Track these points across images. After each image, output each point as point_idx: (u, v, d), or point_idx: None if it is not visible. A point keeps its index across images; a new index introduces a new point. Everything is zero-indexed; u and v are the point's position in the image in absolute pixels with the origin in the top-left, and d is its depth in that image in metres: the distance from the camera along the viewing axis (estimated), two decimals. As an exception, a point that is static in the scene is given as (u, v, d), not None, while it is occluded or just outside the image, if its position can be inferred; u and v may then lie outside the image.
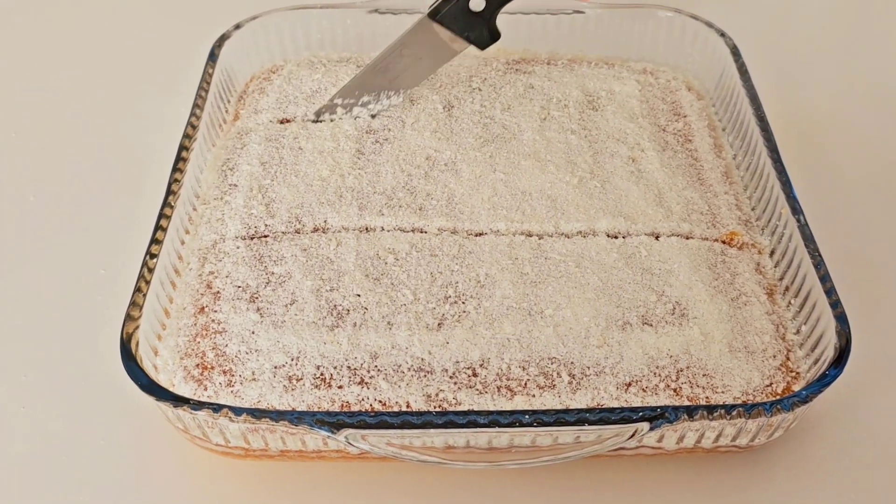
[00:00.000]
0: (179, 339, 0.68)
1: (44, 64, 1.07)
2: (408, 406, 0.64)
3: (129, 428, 0.70)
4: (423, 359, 0.65)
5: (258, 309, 0.68)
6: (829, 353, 0.64)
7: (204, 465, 0.68)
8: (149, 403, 0.64)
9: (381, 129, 0.83)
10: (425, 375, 0.65)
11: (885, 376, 0.74)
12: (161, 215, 0.72)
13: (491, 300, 0.69)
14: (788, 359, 0.68)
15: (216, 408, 0.60)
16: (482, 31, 0.77)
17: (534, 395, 0.64)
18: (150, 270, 0.69)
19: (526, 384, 0.65)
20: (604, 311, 0.68)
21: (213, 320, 0.68)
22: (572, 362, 0.66)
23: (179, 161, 0.77)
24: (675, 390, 0.65)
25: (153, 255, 0.69)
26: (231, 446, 0.65)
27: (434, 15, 0.76)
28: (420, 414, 0.59)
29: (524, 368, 0.65)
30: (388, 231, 0.74)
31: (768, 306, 0.71)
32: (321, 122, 0.84)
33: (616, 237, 0.74)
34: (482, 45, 0.78)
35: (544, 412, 0.59)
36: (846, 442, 0.70)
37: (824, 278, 0.68)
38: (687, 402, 0.64)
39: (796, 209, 0.74)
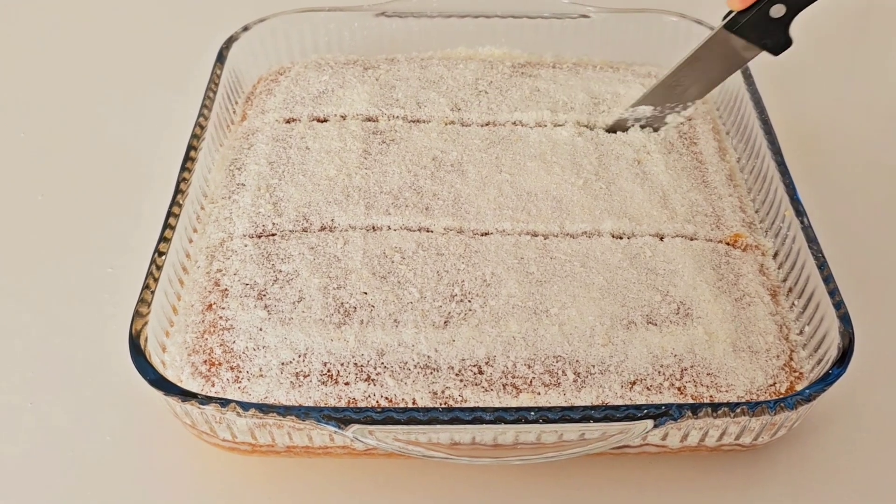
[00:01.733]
0: (187, 336, 0.68)
1: (51, 64, 1.08)
2: (414, 403, 0.64)
3: (136, 424, 0.71)
4: (429, 356, 0.66)
5: (266, 306, 0.68)
6: (833, 353, 0.65)
7: (211, 461, 0.68)
8: (156, 399, 0.64)
9: (388, 130, 0.83)
10: (431, 373, 0.65)
11: (887, 376, 0.75)
12: (169, 213, 0.73)
13: (497, 299, 0.69)
14: (792, 359, 0.69)
15: (224, 402, 0.60)
16: (779, 37, 0.76)
17: (539, 393, 0.65)
18: (159, 268, 0.69)
19: (531, 382, 0.65)
20: (609, 310, 0.68)
21: (220, 317, 0.69)
22: (577, 361, 0.66)
23: (188, 160, 0.78)
24: (679, 389, 0.66)
25: (162, 253, 0.70)
26: (238, 442, 0.65)
27: (731, 26, 0.76)
28: (426, 410, 0.60)
29: (530, 366, 0.66)
30: (395, 230, 0.74)
31: (772, 307, 0.72)
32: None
33: (621, 238, 0.75)
34: (777, 51, 0.77)
35: (549, 409, 0.60)
36: (849, 441, 0.71)
37: (827, 279, 0.69)
38: (691, 401, 0.65)
39: (800, 211, 0.74)
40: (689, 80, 0.82)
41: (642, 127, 0.85)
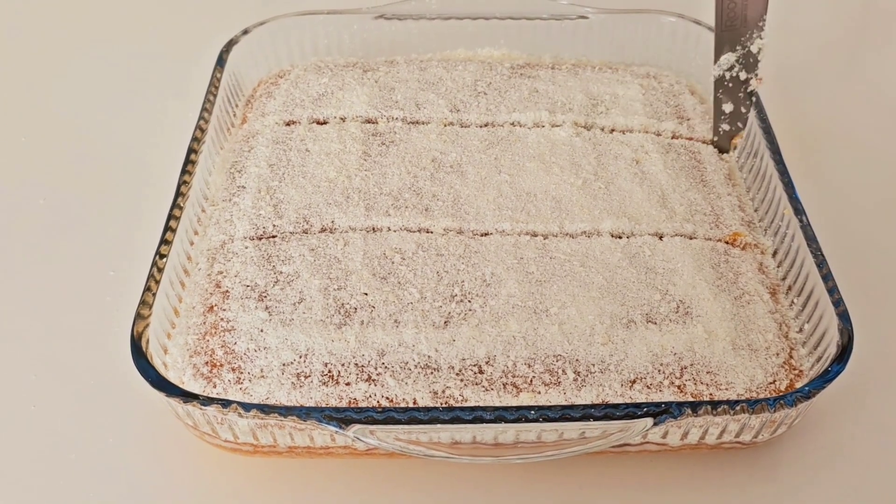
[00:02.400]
0: (189, 338, 0.69)
1: (52, 68, 1.08)
2: (415, 402, 0.64)
3: (138, 426, 0.71)
4: (429, 356, 0.66)
5: (267, 307, 0.69)
6: (832, 351, 0.65)
7: (213, 462, 0.69)
8: (158, 401, 0.64)
9: (387, 132, 0.84)
10: (432, 372, 0.66)
11: (887, 373, 0.75)
12: (170, 216, 0.73)
13: (497, 299, 0.69)
14: (791, 357, 0.69)
15: (225, 403, 0.61)
16: None
17: (539, 392, 0.65)
18: (160, 270, 0.69)
19: (531, 381, 0.65)
20: (608, 309, 0.69)
21: (222, 319, 0.69)
22: (577, 360, 0.66)
23: (188, 163, 0.78)
24: (678, 387, 0.66)
25: (163, 255, 0.70)
26: (240, 443, 0.65)
27: None
28: (427, 410, 0.60)
29: (530, 366, 0.66)
30: (395, 231, 0.75)
31: (771, 305, 0.72)
32: None
33: (620, 237, 0.75)
34: None
35: (550, 408, 0.60)
36: (849, 438, 0.71)
37: (826, 277, 0.69)
38: (691, 399, 0.65)
39: (799, 209, 0.74)
40: (738, 10, 0.78)
41: (740, 72, 0.82)
